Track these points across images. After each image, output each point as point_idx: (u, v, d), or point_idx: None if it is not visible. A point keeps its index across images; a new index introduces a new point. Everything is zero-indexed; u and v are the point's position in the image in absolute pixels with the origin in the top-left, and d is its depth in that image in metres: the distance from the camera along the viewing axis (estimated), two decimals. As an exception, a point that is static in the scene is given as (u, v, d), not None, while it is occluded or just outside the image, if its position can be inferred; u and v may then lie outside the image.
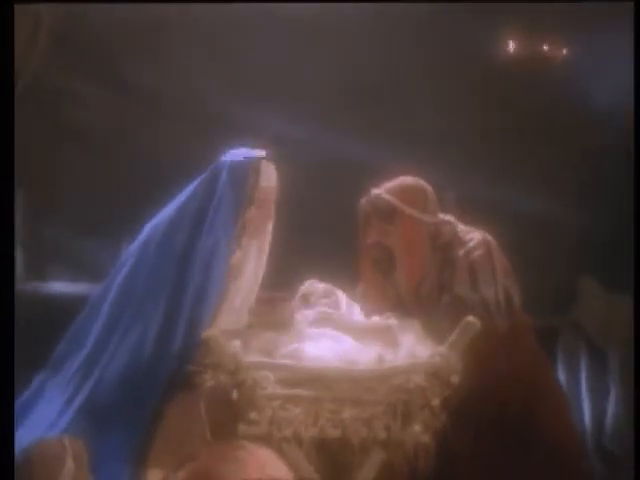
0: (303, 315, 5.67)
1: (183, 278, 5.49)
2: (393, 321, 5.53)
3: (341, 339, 5.42)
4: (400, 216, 5.94)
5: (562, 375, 7.37)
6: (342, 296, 5.77)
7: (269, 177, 5.70)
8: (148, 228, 5.70)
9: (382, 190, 5.97)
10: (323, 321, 5.56)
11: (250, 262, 5.67)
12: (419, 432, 5.14)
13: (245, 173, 5.62)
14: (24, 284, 7.33)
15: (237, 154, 5.71)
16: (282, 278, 5.82)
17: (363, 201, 5.99)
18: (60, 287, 7.22)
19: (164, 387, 5.38)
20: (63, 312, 6.11)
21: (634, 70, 5.83)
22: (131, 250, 5.71)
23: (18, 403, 5.56)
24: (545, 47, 7.87)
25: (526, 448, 5.61)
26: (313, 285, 5.82)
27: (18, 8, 6.47)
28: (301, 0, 7.16)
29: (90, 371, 5.52)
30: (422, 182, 6.01)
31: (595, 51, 7.32)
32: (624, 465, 6.67)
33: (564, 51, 7.76)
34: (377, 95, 7.19)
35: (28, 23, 6.53)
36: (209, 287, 5.46)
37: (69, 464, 3.66)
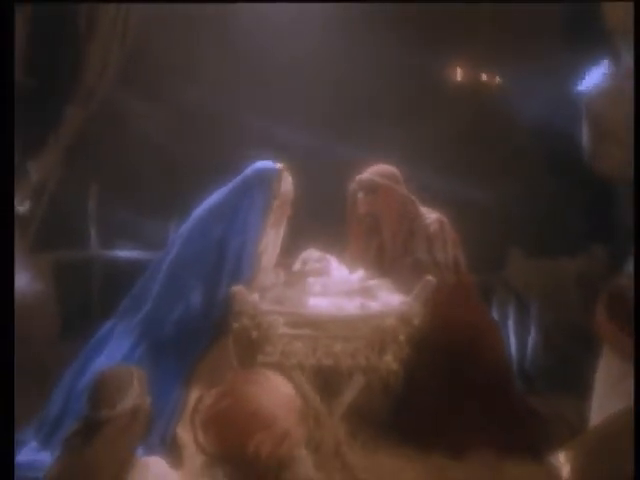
0: (306, 277, 5.64)
1: (221, 258, 5.50)
2: (372, 282, 5.48)
3: (334, 293, 5.39)
4: (381, 188, 5.94)
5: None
6: (332, 260, 5.74)
7: (287, 183, 5.70)
8: (194, 217, 5.71)
9: (372, 173, 5.99)
10: (321, 284, 5.52)
11: (270, 243, 5.68)
12: (390, 361, 5.21)
13: (271, 182, 5.62)
14: (97, 253, 7.30)
15: (263, 165, 5.69)
16: (289, 248, 5.79)
17: (352, 184, 5.99)
18: (124, 255, 7.19)
19: (210, 332, 5.42)
20: (126, 274, 6.10)
21: (634, 70, 5.65)
22: (181, 232, 5.74)
23: (93, 340, 5.62)
24: (482, 76, 7.83)
25: (470, 371, 5.65)
26: (310, 252, 5.78)
27: (93, 45, 6.45)
28: (305, 0, 6.85)
29: (152, 321, 5.54)
30: (392, 167, 6.02)
31: (521, 79, 7.29)
32: (537, 383, 6.65)
33: (497, 79, 7.73)
34: (363, 111, 7.15)
35: (99, 59, 6.46)
36: (243, 268, 5.45)
37: (135, 385, 3.64)
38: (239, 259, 5.48)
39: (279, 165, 5.68)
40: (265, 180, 5.63)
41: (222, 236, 5.55)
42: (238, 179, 5.70)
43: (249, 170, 5.69)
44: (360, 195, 5.99)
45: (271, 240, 5.69)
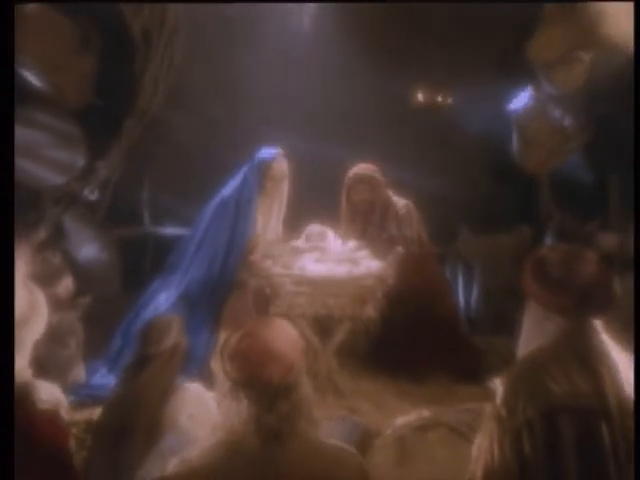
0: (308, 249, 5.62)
1: (235, 225, 5.48)
2: (357, 253, 5.46)
3: (328, 260, 5.38)
4: (373, 179, 5.88)
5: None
6: (330, 233, 5.71)
7: (279, 161, 5.60)
8: (218, 197, 5.66)
9: (358, 169, 5.92)
10: (318, 254, 5.51)
11: (273, 215, 5.66)
12: (370, 311, 5.22)
13: (265, 162, 5.56)
14: (149, 230, 7.31)
15: (263, 152, 5.62)
16: (296, 224, 5.80)
17: (347, 178, 5.92)
18: (169, 231, 7.17)
19: (229, 286, 5.40)
20: (171, 246, 6.09)
21: (634, 69, 5.34)
22: (207, 210, 5.68)
23: (144, 295, 5.63)
24: (438, 97, 7.81)
25: (429, 318, 5.65)
26: (313, 227, 5.75)
27: (146, 76, 6.45)
28: (302, 0, 6.60)
29: (183, 279, 5.53)
30: (372, 165, 5.95)
31: (467, 99, 7.29)
32: (479, 326, 6.69)
33: (450, 99, 7.71)
34: (352, 122, 7.11)
35: (150, 86, 6.46)
36: (246, 230, 5.49)
37: (174, 329, 3.64)
38: (244, 224, 5.46)
39: (276, 151, 5.61)
40: (261, 162, 5.56)
41: (234, 211, 5.51)
42: (246, 166, 5.65)
43: (254, 157, 5.66)
44: (358, 186, 5.90)
45: (274, 212, 5.67)
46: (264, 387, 2.41)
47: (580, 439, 2.38)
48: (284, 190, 5.69)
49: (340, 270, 5.26)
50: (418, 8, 6.97)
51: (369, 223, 5.94)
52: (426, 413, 3.96)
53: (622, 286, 2.63)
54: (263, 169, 5.55)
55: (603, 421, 2.38)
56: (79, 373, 5.10)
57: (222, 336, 5.05)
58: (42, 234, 5.59)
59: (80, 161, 6.22)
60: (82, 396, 4.65)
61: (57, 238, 5.96)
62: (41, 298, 2.76)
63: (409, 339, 5.54)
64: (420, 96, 7.84)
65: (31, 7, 5.99)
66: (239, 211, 5.49)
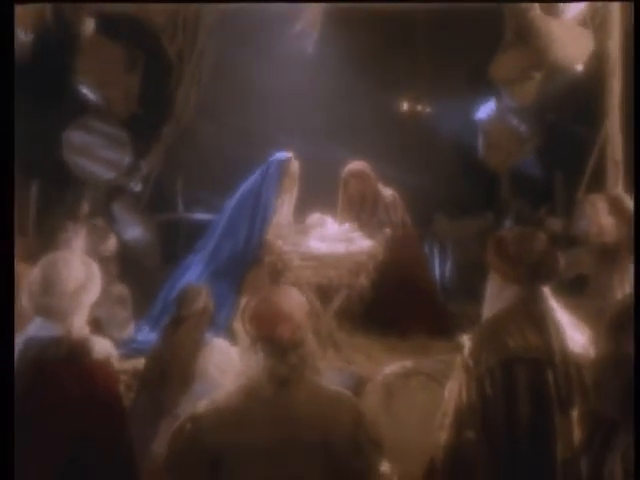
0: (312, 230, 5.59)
1: (254, 216, 5.43)
2: (352, 234, 5.44)
3: (328, 240, 5.37)
4: (364, 174, 5.84)
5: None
6: (330, 220, 5.67)
7: (294, 166, 5.55)
8: (239, 193, 5.62)
9: (352, 166, 5.88)
10: (321, 234, 5.48)
11: (285, 204, 5.59)
12: (363, 281, 5.20)
13: (283, 164, 5.50)
14: (183, 215, 7.28)
15: (279, 155, 5.57)
16: (302, 213, 5.74)
17: (343, 174, 5.89)
18: (198, 216, 7.12)
19: (249, 261, 5.38)
20: (200, 229, 6.08)
21: (634, 70, 4.94)
22: (231, 200, 5.64)
23: (179, 268, 5.61)
24: (419, 107, 7.78)
25: (411, 287, 5.64)
26: (315, 215, 5.71)
27: (180, 90, 6.42)
28: (304, 0, 6.08)
29: (213, 256, 5.51)
30: (364, 162, 5.92)
31: (443, 109, 7.27)
32: (451, 294, 6.59)
33: (428, 109, 7.68)
34: (347, 128, 7.08)
35: (183, 99, 6.46)
36: (267, 218, 5.40)
37: (203, 295, 3.65)
38: (264, 213, 5.41)
39: (289, 154, 5.56)
40: (279, 164, 5.50)
41: (254, 202, 5.45)
42: (263, 166, 5.59)
43: (270, 159, 5.58)
44: (352, 180, 5.86)
45: (286, 202, 5.57)
46: (277, 342, 2.42)
47: (531, 383, 2.42)
48: (295, 185, 5.67)
49: (338, 248, 5.24)
50: (406, 35, 6.96)
51: (362, 210, 5.91)
52: (408, 364, 3.98)
53: (564, 260, 2.65)
54: (283, 169, 5.50)
55: (549, 369, 2.42)
56: (132, 330, 5.18)
57: (243, 301, 5.04)
58: (97, 220, 5.64)
59: (126, 160, 6.32)
60: (130, 349, 4.67)
61: (108, 223, 5.98)
62: (95, 269, 2.79)
63: (395, 304, 5.52)
64: (404, 106, 7.80)
65: (88, 36, 6.02)
66: (259, 202, 5.45)
